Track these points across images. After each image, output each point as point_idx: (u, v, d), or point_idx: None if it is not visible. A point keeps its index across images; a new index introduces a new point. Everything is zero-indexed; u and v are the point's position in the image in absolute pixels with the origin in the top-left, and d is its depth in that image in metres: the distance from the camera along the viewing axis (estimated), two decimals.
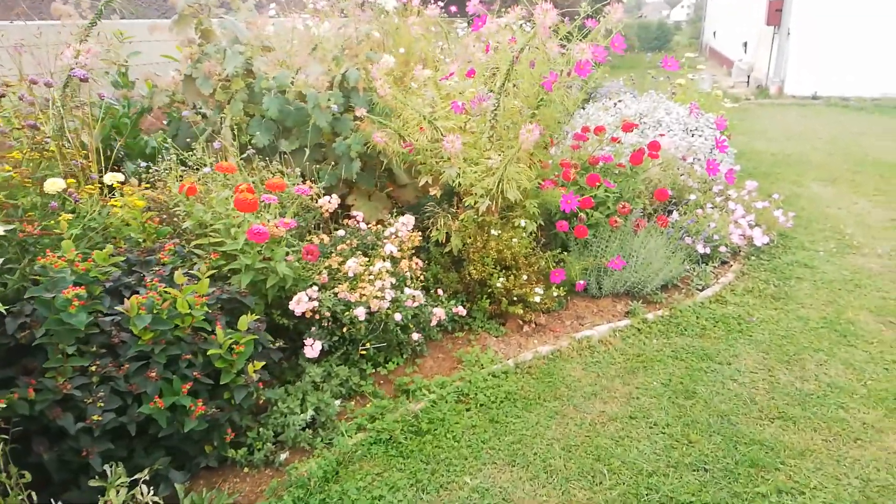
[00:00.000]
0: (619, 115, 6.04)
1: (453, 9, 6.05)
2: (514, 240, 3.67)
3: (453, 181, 3.63)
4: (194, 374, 2.26)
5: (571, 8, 3.92)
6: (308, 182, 3.71)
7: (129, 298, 2.21)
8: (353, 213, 3.94)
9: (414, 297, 3.14)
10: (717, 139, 4.01)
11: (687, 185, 4.91)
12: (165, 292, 2.25)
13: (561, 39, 3.77)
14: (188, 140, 4.02)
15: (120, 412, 2.15)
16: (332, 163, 4.08)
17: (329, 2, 6.14)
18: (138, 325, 2.11)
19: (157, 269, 2.49)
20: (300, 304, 2.74)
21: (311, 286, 2.92)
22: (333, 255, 3.12)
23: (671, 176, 4.95)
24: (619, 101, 6.25)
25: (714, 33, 23.06)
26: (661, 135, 4.99)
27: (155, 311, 2.17)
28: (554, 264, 3.82)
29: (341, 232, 3.60)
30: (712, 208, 4.70)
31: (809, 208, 5.65)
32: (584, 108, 6.53)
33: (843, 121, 9.94)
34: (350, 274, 2.96)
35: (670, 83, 7.66)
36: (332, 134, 4.01)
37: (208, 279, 2.38)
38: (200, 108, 4.48)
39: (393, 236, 3.39)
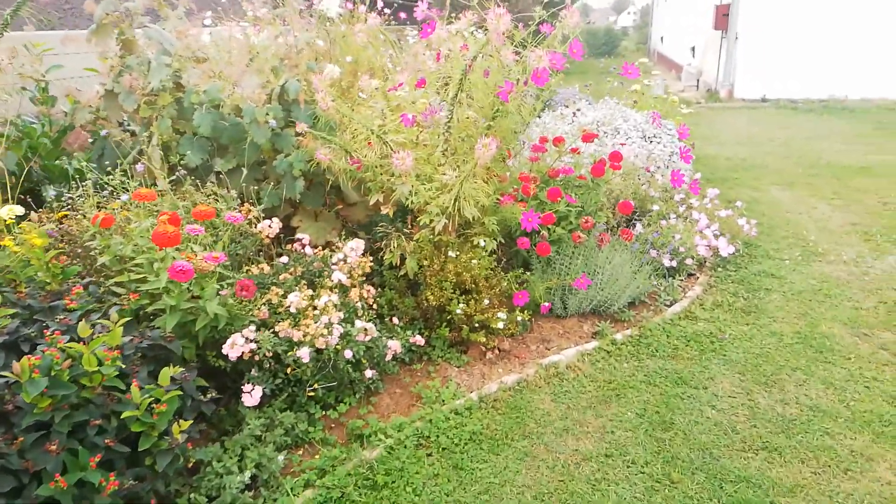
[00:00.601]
0: (576, 124, 5.86)
1: (403, 15, 5.80)
2: (474, 261, 3.41)
3: (406, 199, 3.36)
4: (106, 441, 1.93)
5: (525, 13, 3.69)
6: (246, 205, 3.39)
7: (27, 354, 1.87)
8: (299, 235, 3.64)
9: (366, 330, 2.85)
10: (682, 149, 3.83)
11: (649, 195, 4.74)
12: (68, 347, 1.91)
13: (516, 46, 3.55)
14: (117, 161, 3.66)
15: (14, 494, 1.80)
16: (274, 182, 3.77)
17: (269, 9, 5.82)
18: (31, 391, 1.77)
19: (61, 317, 2.14)
20: (234, 347, 2.42)
21: (248, 324, 2.60)
22: (274, 287, 2.80)
23: (632, 186, 4.77)
24: (578, 109, 6.07)
25: (661, 38, 23.38)
26: (622, 144, 4.81)
27: (53, 373, 1.84)
28: (517, 286, 3.58)
29: (285, 259, 3.29)
30: (676, 219, 4.53)
31: (771, 214, 5.56)
32: (540, 117, 6.33)
33: (793, 123, 10.02)
34: (292, 309, 2.65)
35: (625, 89, 7.55)
36: (272, 151, 3.70)
37: (121, 328, 2.04)
38: (129, 125, 4.11)
39: (341, 262, 3.10)
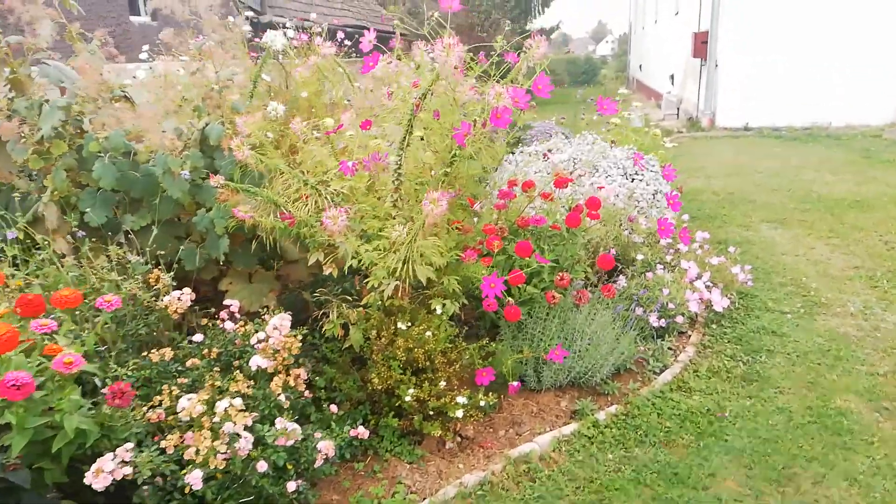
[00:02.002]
0: (552, 163, 5.39)
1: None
2: (429, 333, 2.88)
3: (350, 260, 2.84)
4: None
5: (486, 43, 3.23)
6: (155, 272, 2.84)
7: None
8: (228, 301, 3.10)
9: (288, 432, 2.30)
10: (668, 195, 3.36)
11: (632, 241, 4.25)
12: None
13: (476, 79, 3.08)
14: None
15: None
16: (199, 240, 3.24)
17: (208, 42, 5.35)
18: None
19: None
20: (100, 476, 1.86)
21: (128, 438, 2.04)
22: (166, 387, 2.24)
23: (614, 231, 4.28)
24: (551, 149, 5.61)
25: (640, 66, 23.28)
26: (601, 187, 4.34)
27: None
28: (480, 359, 3.05)
29: (199, 336, 2.74)
30: (663, 269, 4.04)
31: (765, 257, 5.09)
32: (513, 154, 5.87)
33: (779, 153, 9.66)
34: (184, 417, 2.09)
35: (605, 121, 7.14)
36: (195, 204, 3.17)
37: None
38: (35, 176, 3.57)
39: (263, 344, 2.55)
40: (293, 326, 3.11)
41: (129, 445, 1.95)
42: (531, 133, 6.52)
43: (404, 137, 2.90)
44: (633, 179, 5.25)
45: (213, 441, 1.98)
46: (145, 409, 2.15)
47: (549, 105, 19.77)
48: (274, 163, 2.78)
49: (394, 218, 3.09)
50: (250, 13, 4.98)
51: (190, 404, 2.04)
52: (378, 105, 3.61)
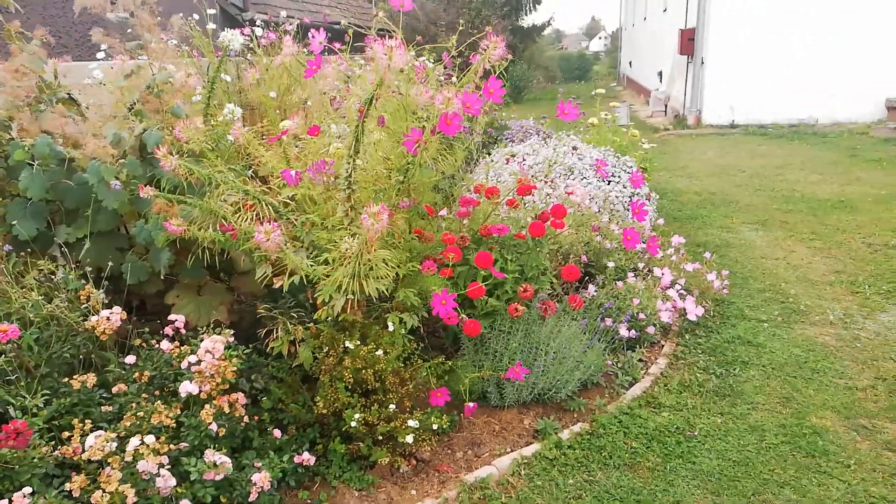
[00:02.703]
0: (527, 164, 5.24)
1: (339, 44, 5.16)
2: (379, 352, 2.71)
3: (290, 278, 2.68)
4: None
5: (440, 45, 3.07)
6: (87, 288, 2.67)
7: None
8: (173, 316, 2.94)
9: (218, 465, 2.14)
10: (633, 203, 3.19)
11: (604, 247, 4.10)
12: None
13: (442, 82, 2.93)
14: None
15: None
16: (142, 252, 3.07)
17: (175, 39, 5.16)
18: None
19: None
20: None
21: (32, 479, 1.87)
22: (77, 423, 2.07)
23: (586, 236, 4.13)
24: (515, 153, 5.44)
25: (630, 63, 23.17)
26: (570, 193, 4.18)
27: None
28: (436, 378, 2.89)
29: (131, 358, 2.57)
30: (635, 277, 3.88)
31: (744, 261, 4.95)
32: (489, 155, 5.71)
33: (763, 151, 9.54)
34: (91, 456, 1.92)
35: (586, 120, 6.98)
36: (135, 215, 3.00)
37: None
38: None
39: (195, 368, 2.38)
40: (247, 341, 2.96)
41: (28, 490, 1.78)
42: (508, 133, 6.36)
43: (352, 145, 2.73)
44: (609, 181, 5.10)
45: (119, 485, 1.81)
46: (50, 446, 1.98)
47: (539, 102, 19.64)
48: (206, 172, 2.60)
49: (346, 228, 2.93)
50: (212, 11, 4.78)
51: (97, 442, 1.87)
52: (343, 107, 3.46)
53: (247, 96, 4.46)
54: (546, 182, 4.27)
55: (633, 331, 3.50)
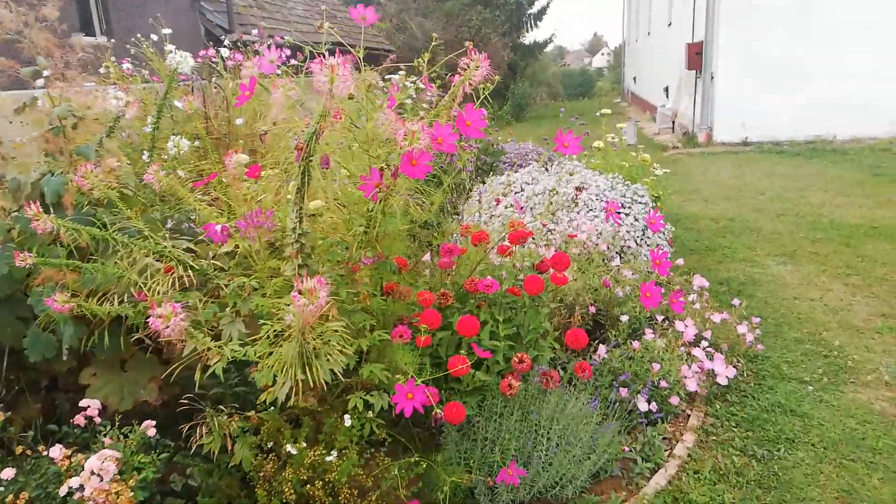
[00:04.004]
0: (526, 194, 4.67)
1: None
2: (333, 454, 2.13)
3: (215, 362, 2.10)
4: None
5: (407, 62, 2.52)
6: None
7: None
8: (86, 402, 2.39)
9: None
10: (655, 254, 2.60)
11: (615, 295, 3.50)
12: None
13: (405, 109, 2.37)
14: None
15: None
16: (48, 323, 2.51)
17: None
18: None
19: None
20: None
21: None
22: None
23: (594, 281, 3.54)
24: (527, 178, 4.87)
25: (634, 79, 22.68)
26: (572, 235, 3.60)
27: None
28: (407, 483, 2.29)
29: (10, 472, 1.99)
30: (653, 333, 3.28)
31: (775, 303, 4.34)
32: (484, 183, 5.15)
33: (782, 171, 8.94)
34: None
35: (591, 142, 6.41)
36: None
37: None
38: None
39: (77, 496, 1.80)
40: (188, 427, 2.38)
41: None
42: (505, 159, 5.80)
43: (299, 188, 2.16)
44: (618, 213, 4.52)
45: None
46: None
47: (543, 120, 19.12)
48: (94, 232, 2.04)
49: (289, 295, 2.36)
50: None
51: None
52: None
53: (213, 125, 3.95)
54: (538, 219, 3.69)
55: (653, 403, 2.90)
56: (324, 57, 1.84)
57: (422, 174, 1.93)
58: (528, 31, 26.03)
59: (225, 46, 4.66)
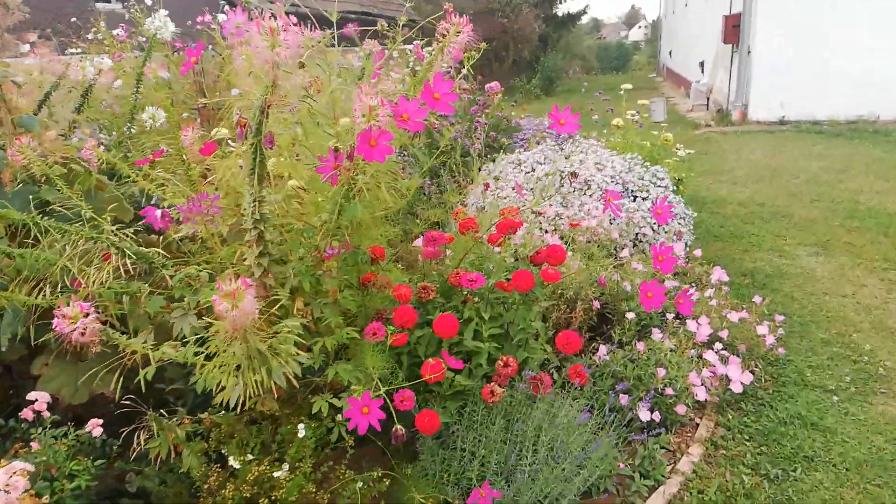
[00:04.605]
0: (536, 174, 4.37)
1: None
2: (284, 469, 1.91)
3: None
4: None
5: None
6: None
7: None
8: (35, 394, 2.22)
9: None
10: (657, 248, 2.29)
11: (622, 288, 3.22)
12: None
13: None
14: None
15: None
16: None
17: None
18: None
19: None
20: None
21: None
22: None
23: (600, 271, 3.25)
24: (538, 158, 4.56)
25: (670, 53, 21.90)
26: (574, 224, 3.30)
27: None
28: (371, 501, 2.07)
29: None
30: (661, 331, 2.99)
31: (802, 299, 4.00)
32: (494, 162, 4.85)
33: (819, 152, 8.44)
34: None
35: (614, 117, 6.04)
36: None
37: None
38: None
39: None
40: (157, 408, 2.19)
41: None
42: (521, 136, 5.48)
43: (252, 170, 1.92)
44: (634, 198, 4.20)
45: None
46: None
47: (573, 94, 18.58)
48: (13, 215, 1.82)
49: (258, 282, 2.14)
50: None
51: None
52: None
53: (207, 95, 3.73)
54: (546, 201, 3.41)
55: (656, 412, 2.63)
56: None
57: (381, 156, 1.67)
58: (561, 2, 25.29)
59: (223, 12, 4.42)
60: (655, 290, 2.26)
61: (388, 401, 1.97)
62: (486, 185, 3.83)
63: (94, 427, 2.16)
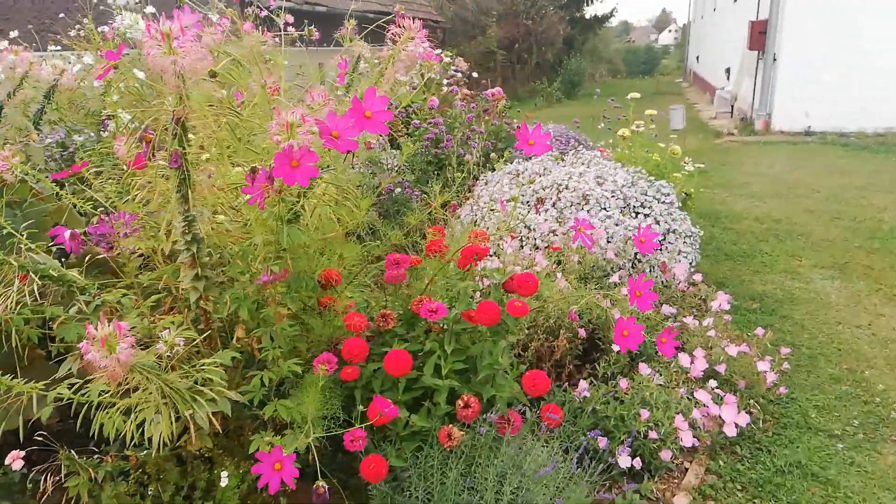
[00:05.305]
0: (535, 187, 4.15)
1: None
2: None
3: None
4: None
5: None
6: None
7: None
8: None
9: None
10: (634, 283, 2.05)
11: (611, 316, 2.98)
12: None
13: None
14: None
15: None
16: None
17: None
18: None
19: None
20: None
21: None
22: None
23: (586, 296, 3.02)
24: (537, 168, 4.34)
25: (697, 58, 21.49)
26: (555, 248, 3.07)
27: None
28: None
29: None
30: (649, 368, 2.75)
31: (812, 328, 3.73)
32: (493, 171, 4.63)
33: (844, 166, 8.09)
34: None
35: (626, 124, 5.78)
36: None
37: None
38: None
39: None
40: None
41: None
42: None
43: (179, 187, 1.73)
44: (636, 214, 3.95)
45: None
46: None
47: (598, 99, 18.28)
48: None
49: (188, 309, 1.97)
50: None
51: None
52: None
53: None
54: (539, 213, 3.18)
55: (637, 458, 2.40)
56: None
57: (305, 179, 1.47)
58: (588, 4, 24.96)
59: (218, 12, 4.27)
60: (632, 329, 2.03)
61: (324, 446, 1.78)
62: (454, 206, 3.61)
63: (15, 460, 1.99)
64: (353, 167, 2.16)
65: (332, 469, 2.21)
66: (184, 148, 1.62)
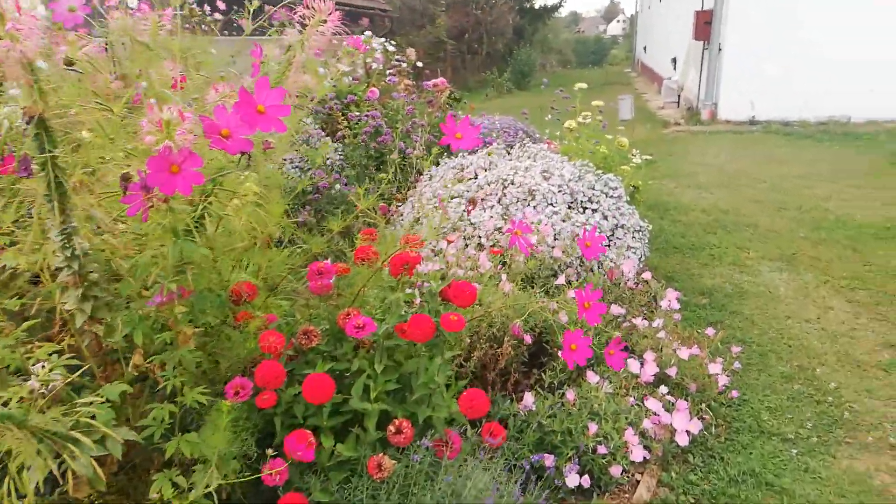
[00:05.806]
0: (478, 183, 3.96)
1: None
2: None
3: None
4: None
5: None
6: None
7: None
8: None
9: None
10: (581, 294, 1.88)
11: (558, 321, 2.82)
12: None
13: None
14: None
15: None
16: None
17: None
18: None
19: None
20: None
21: None
22: None
23: (531, 302, 2.85)
24: (482, 163, 4.16)
25: (644, 48, 21.65)
26: (497, 251, 2.90)
27: None
28: None
29: None
30: (597, 375, 2.60)
31: (762, 323, 3.65)
32: (438, 164, 4.43)
33: (788, 155, 8.16)
34: None
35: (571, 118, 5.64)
36: None
37: None
38: None
39: None
40: None
41: None
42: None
43: (49, 196, 1.48)
44: (584, 209, 3.81)
45: None
46: None
47: (547, 89, 18.26)
48: None
49: (70, 334, 1.71)
50: None
51: None
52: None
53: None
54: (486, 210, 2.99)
55: (585, 476, 2.24)
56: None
57: (187, 188, 1.24)
58: None
59: None
60: (580, 343, 1.86)
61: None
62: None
63: None
64: (282, 164, 1.92)
65: (255, 501, 2.00)
66: (49, 150, 1.37)
